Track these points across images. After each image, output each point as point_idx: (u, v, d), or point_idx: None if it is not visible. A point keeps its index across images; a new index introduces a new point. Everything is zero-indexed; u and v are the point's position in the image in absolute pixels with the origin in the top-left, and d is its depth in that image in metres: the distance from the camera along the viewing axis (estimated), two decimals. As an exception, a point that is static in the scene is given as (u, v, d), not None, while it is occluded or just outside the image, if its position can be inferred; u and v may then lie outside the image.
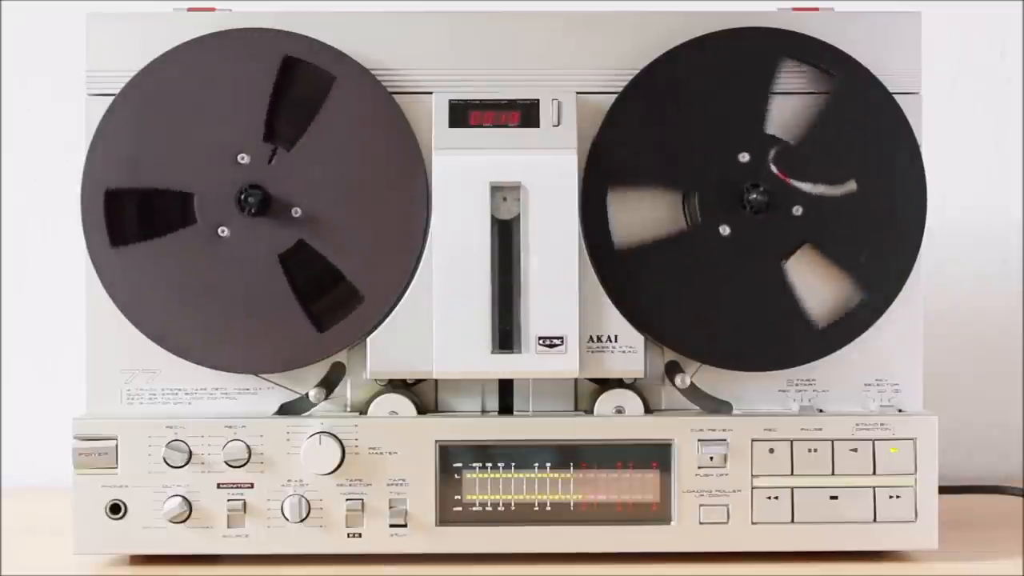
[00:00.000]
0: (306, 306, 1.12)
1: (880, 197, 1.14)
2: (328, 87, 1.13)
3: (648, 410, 1.15)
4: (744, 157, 1.13)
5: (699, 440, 1.12)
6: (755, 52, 1.14)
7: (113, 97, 1.13)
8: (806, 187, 1.13)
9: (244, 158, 1.12)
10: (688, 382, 1.14)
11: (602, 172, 1.13)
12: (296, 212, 1.12)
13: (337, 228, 1.12)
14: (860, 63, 1.14)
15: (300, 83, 1.13)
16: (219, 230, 1.12)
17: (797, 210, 1.13)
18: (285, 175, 1.12)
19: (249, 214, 1.11)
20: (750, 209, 1.12)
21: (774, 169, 1.13)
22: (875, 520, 1.12)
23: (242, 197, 1.11)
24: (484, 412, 1.16)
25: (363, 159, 1.13)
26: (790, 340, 1.14)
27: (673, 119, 1.13)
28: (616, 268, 1.13)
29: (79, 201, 1.12)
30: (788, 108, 1.14)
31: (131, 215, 1.13)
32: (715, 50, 1.14)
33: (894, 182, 1.14)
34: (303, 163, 1.12)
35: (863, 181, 1.14)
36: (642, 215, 1.13)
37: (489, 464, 1.12)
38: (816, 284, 1.14)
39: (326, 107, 1.13)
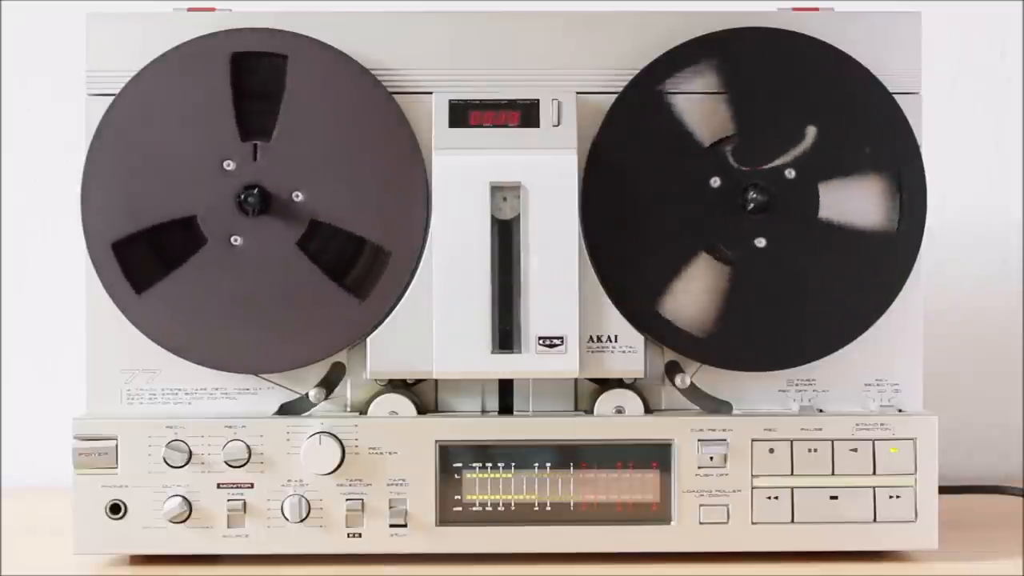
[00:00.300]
0: (340, 282, 1.12)
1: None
2: (283, 67, 1.12)
3: (648, 410, 1.15)
4: (716, 182, 1.13)
5: (699, 440, 1.12)
6: (755, 52, 1.14)
7: (113, 96, 1.13)
8: (781, 160, 1.13)
9: (229, 164, 1.12)
10: (688, 382, 1.14)
11: (602, 172, 1.13)
12: (298, 196, 1.12)
13: (342, 198, 1.12)
14: (860, 63, 1.14)
15: (256, 74, 1.13)
16: (231, 240, 1.12)
17: (790, 173, 1.13)
18: (275, 165, 1.12)
19: (254, 215, 1.11)
20: (752, 210, 1.12)
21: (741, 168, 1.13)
22: (875, 520, 1.12)
23: (241, 201, 1.11)
24: (484, 412, 1.16)
25: (363, 159, 1.13)
26: (790, 340, 1.14)
27: (673, 119, 1.13)
28: (616, 268, 1.13)
29: (89, 258, 1.12)
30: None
31: (145, 257, 1.13)
32: (715, 50, 1.14)
33: (894, 182, 1.14)
34: (287, 147, 1.12)
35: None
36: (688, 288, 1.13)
37: (489, 464, 1.12)
38: (857, 204, 1.13)
39: (289, 86, 1.12)
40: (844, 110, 1.14)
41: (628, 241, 1.13)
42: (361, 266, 1.14)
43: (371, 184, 1.13)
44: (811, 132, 1.13)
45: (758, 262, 1.13)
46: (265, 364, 1.14)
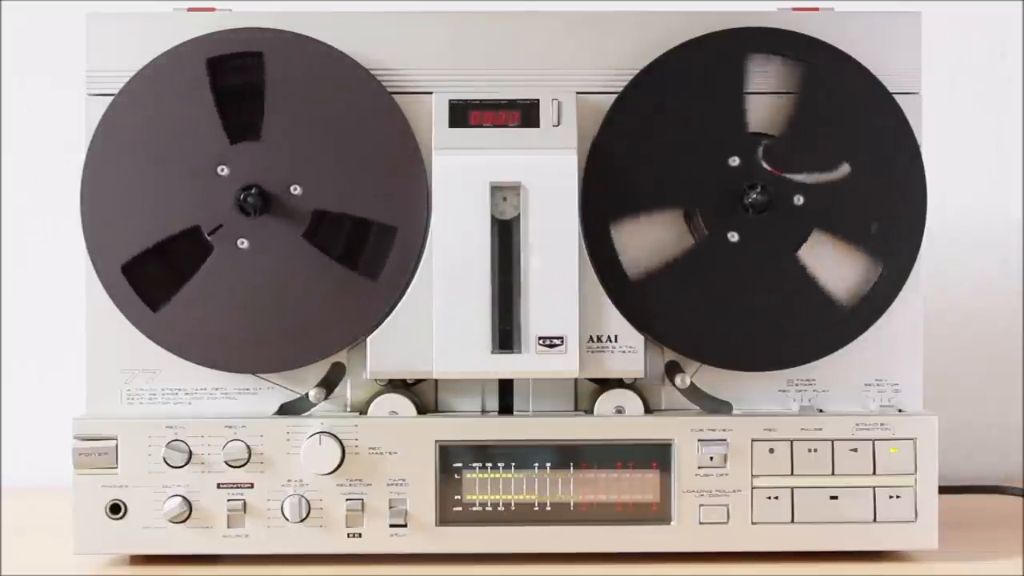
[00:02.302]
0: (353, 266, 1.12)
1: (880, 197, 1.14)
2: (261, 64, 1.12)
3: (648, 410, 1.15)
4: (734, 161, 1.13)
5: (699, 440, 1.12)
6: (755, 52, 1.14)
7: (113, 96, 1.13)
8: (801, 177, 1.13)
9: (224, 170, 1.12)
10: (688, 382, 1.14)
11: (602, 172, 1.13)
12: (296, 189, 1.12)
13: (340, 184, 1.12)
14: (860, 63, 1.14)
15: (235, 75, 1.13)
16: (238, 243, 1.12)
17: (798, 199, 1.13)
18: (268, 163, 1.12)
19: (256, 215, 1.11)
20: (752, 210, 1.12)
21: (765, 165, 1.13)
22: (875, 520, 1.12)
23: (241, 203, 1.11)
24: (484, 412, 1.16)
25: (363, 159, 1.13)
26: (790, 340, 1.14)
27: (673, 120, 1.13)
28: (616, 268, 1.13)
29: (100, 280, 1.12)
30: (785, 107, 1.14)
31: (155, 273, 1.13)
32: (715, 50, 1.14)
33: (894, 182, 1.14)
34: (277, 143, 1.12)
35: (863, 181, 1.14)
36: (649, 241, 1.13)
37: (489, 464, 1.12)
38: (833, 267, 1.13)
39: (269, 81, 1.12)
40: (844, 111, 1.14)
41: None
42: (370, 249, 1.13)
43: (371, 184, 1.13)
44: (841, 169, 1.13)
45: (727, 253, 1.13)
46: (265, 364, 1.13)
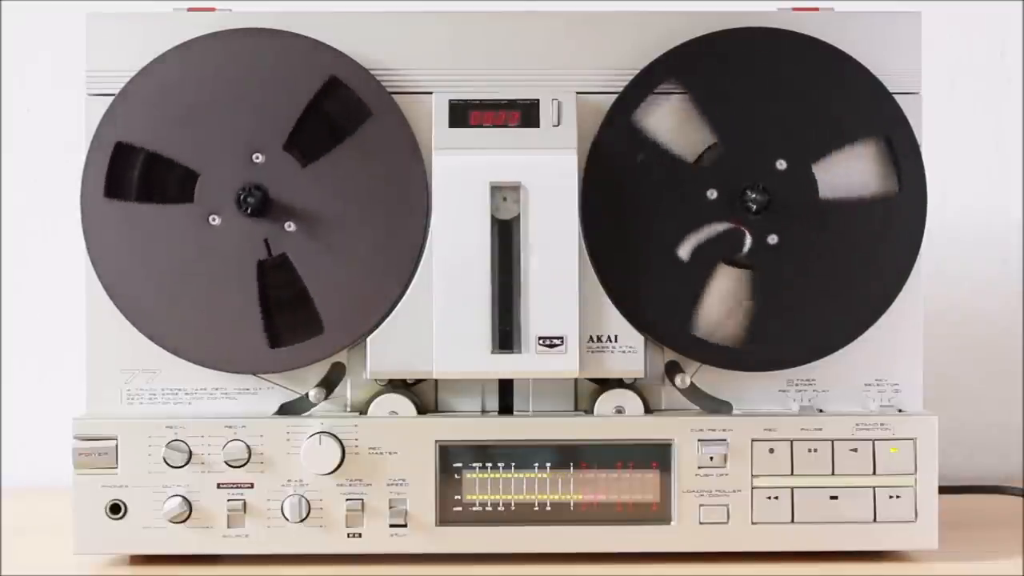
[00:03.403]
0: (267, 317, 1.12)
1: (880, 197, 1.14)
2: (363, 119, 1.12)
3: (648, 410, 1.15)
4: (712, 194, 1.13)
5: (699, 440, 1.12)
6: (755, 52, 1.14)
7: (113, 96, 1.13)
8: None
9: (259, 158, 1.12)
10: (688, 382, 1.14)
11: (602, 172, 1.13)
12: (290, 226, 1.12)
13: (323, 255, 1.12)
14: (860, 63, 1.14)
15: (335, 105, 1.13)
16: (211, 218, 1.12)
17: (781, 164, 1.13)
18: (291, 189, 1.12)
19: (244, 213, 1.11)
20: (752, 210, 1.12)
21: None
22: (875, 520, 1.13)
23: (242, 195, 1.11)
24: (484, 412, 1.16)
25: (363, 159, 1.13)
26: (790, 340, 1.14)
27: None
28: (616, 268, 1.13)
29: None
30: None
31: (133, 175, 1.12)
32: (714, 50, 1.14)
33: (894, 182, 1.14)
34: (313, 182, 1.12)
35: (855, 150, 1.13)
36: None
37: (489, 464, 1.12)
38: (852, 179, 1.13)
39: (353, 138, 1.12)
40: (844, 110, 1.14)
41: (628, 241, 1.13)
42: (295, 318, 1.13)
43: (371, 184, 1.13)
44: (797, 120, 1.13)
45: (773, 261, 1.13)
46: (265, 364, 1.13)
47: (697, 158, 1.13)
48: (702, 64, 1.14)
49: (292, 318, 1.13)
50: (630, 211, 1.13)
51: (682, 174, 1.13)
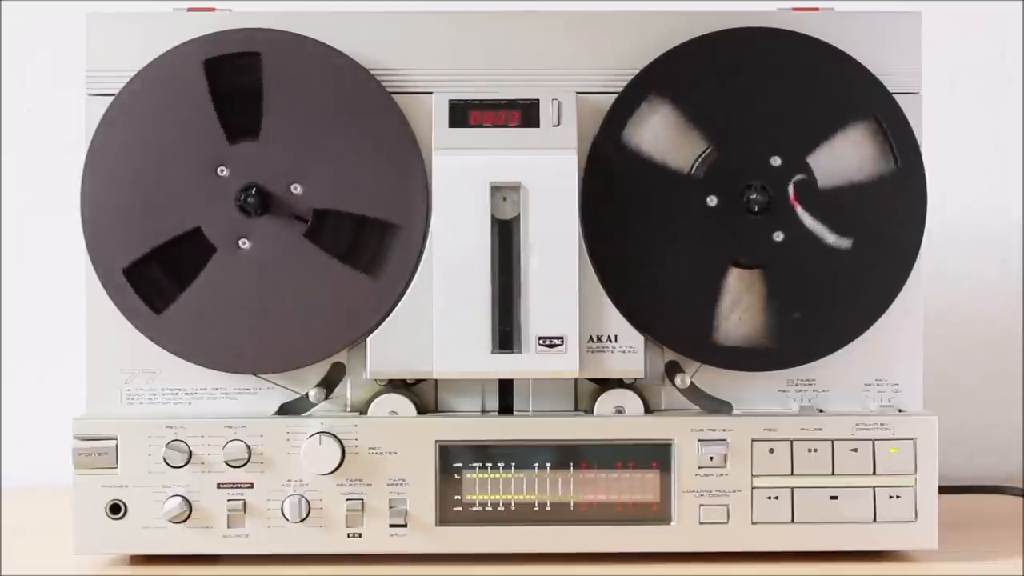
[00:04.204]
0: (354, 266, 1.12)
1: (880, 197, 1.14)
2: (258, 64, 1.12)
3: (648, 410, 1.15)
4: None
5: (699, 440, 1.12)
6: (755, 52, 1.14)
7: (113, 96, 1.13)
8: (808, 221, 1.13)
9: (223, 170, 1.12)
10: (688, 382, 1.14)
11: (602, 172, 1.13)
12: (296, 189, 1.12)
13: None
14: (860, 63, 1.14)
15: (232, 75, 1.12)
16: (239, 243, 1.12)
17: (775, 161, 1.13)
18: (268, 163, 1.12)
19: (256, 215, 1.11)
20: (752, 210, 1.12)
21: (791, 192, 1.13)
22: (875, 520, 1.13)
23: (242, 203, 1.11)
24: (484, 412, 1.16)
25: (363, 159, 1.13)
26: (790, 340, 1.14)
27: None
28: (616, 268, 1.13)
29: (104, 287, 1.12)
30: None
31: (156, 275, 1.13)
32: (714, 50, 1.14)
33: (894, 182, 1.14)
34: (277, 143, 1.12)
35: (863, 181, 1.14)
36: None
37: (489, 464, 1.12)
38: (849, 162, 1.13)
39: (267, 81, 1.12)
40: (844, 110, 1.14)
41: (628, 241, 1.13)
42: (371, 249, 1.13)
43: (371, 184, 1.13)
44: (796, 119, 1.13)
45: (785, 257, 1.13)
46: (265, 364, 1.13)
47: (695, 159, 1.13)
48: (701, 65, 1.14)
49: (368, 249, 1.13)
50: (630, 211, 1.13)
51: (680, 176, 1.13)
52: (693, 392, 1.15)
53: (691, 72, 1.14)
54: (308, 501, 1.11)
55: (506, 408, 1.16)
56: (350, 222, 1.13)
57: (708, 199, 1.13)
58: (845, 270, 1.13)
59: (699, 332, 1.13)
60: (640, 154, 1.13)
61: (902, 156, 1.14)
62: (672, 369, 1.15)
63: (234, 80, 1.13)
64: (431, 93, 1.14)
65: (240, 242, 1.12)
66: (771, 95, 1.14)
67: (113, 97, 1.13)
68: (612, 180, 1.13)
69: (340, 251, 1.13)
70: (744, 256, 1.13)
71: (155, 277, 1.13)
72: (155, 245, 1.12)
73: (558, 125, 1.13)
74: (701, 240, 1.13)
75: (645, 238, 1.13)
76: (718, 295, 1.13)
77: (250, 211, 1.11)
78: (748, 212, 1.13)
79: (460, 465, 1.12)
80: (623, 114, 1.13)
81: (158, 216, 1.12)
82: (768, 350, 1.14)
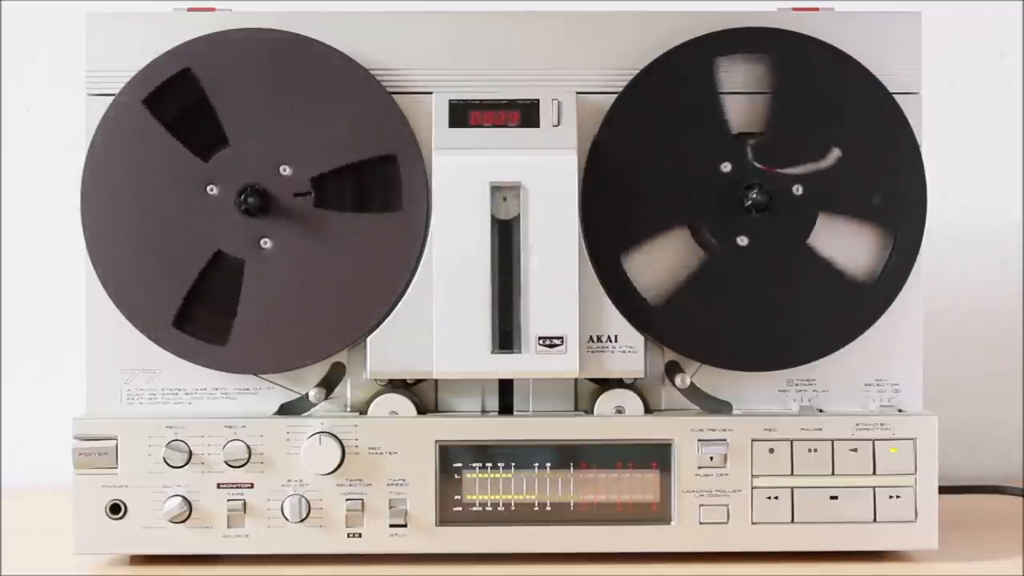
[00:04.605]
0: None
1: (880, 197, 1.14)
2: (192, 77, 1.12)
3: (648, 410, 1.15)
4: (727, 167, 1.13)
5: (699, 440, 1.12)
6: (755, 52, 1.14)
7: (113, 97, 1.13)
8: (796, 171, 1.13)
9: (212, 188, 1.12)
10: (688, 382, 1.14)
11: (602, 172, 1.13)
12: (285, 170, 1.12)
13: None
14: (860, 63, 1.14)
15: (179, 97, 1.12)
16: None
17: (797, 189, 1.13)
18: (247, 161, 1.12)
19: (262, 211, 1.11)
20: (754, 211, 1.12)
21: (758, 165, 1.13)
22: (875, 520, 1.12)
23: (244, 207, 1.11)
24: (484, 412, 1.16)
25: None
26: (790, 340, 1.14)
27: (675, 118, 1.14)
28: (616, 268, 1.13)
29: (158, 343, 1.12)
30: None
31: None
32: (714, 50, 1.14)
33: (894, 182, 1.14)
34: (247, 138, 1.12)
35: (863, 181, 1.14)
36: (664, 265, 1.13)
37: (489, 464, 1.12)
38: (846, 246, 1.13)
39: (208, 89, 1.12)
40: (844, 110, 1.14)
41: (628, 241, 1.13)
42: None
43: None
44: (833, 155, 1.13)
45: (738, 259, 1.13)
46: (265, 364, 1.13)
47: (691, 160, 1.13)
48: (701, 65, 1.14)
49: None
50: (630, 210, 1.13)
51: (677, 177, 1.13)
52: (693, 392, 1.15)
53: (691, 72, 1.14)
54: (308, 501, 1.11)
55: (506, 408, 1.16)
56: (349, 175, 1.13)
57: (723, 165, 1.13)
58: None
59: (699, 332, 1.13)
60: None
61: (902, 156, 1.14)
62: (672, 369, 1.15)
63: (184, 99, 1.13)
64: (431, 93, 1.14)
65: (262, 243, 1.12)
66: (770, 95, 1.14)
67: (113, 97, 1.13)
68: (616, 164, 1.13)
69: (354, 205, 1.13)
70: (704, 232, 1.13)
71: (202, 315, 1.13)
72: (189, 288, 1.12)
73: (558, 125, 1.13)
74: (700, 240, 1.13)
75: (645, 235, 1.13)
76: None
77: (254, 211, 1.11)
78: (749, 211, 1.13)
79: (460, 465, 1.12)
80: (623, 114, 1.13)
81: (173, 255, 1.12)
82: (768, 350, 1.14)
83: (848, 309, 1.14)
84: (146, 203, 1.12)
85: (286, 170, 1.12)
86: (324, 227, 1.12)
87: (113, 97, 1.13)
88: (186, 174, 1.12)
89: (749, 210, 1.12)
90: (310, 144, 1.12)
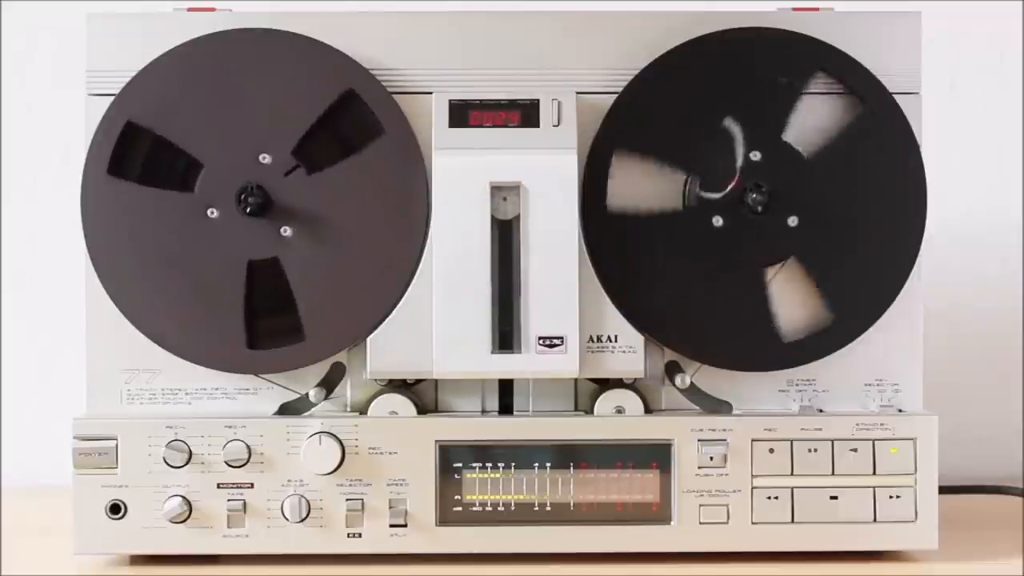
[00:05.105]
0: (250, 319, 1.12)
1: (880, 197, 1.14)
2: (374, 136, 1.12)
3: (648, 410, 1.15)
4: (756, 155, 1.13)
5: (699, 440, 1.12)
6: (755, 52, 1.14)
7: (112, 96, 1.13)
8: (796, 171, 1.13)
9: (265, 158, 1.12)
10: (688, 382, 1.14)
11: (602, 172, 1.13)
12: (286, 231, 1.12)
13: (323, 254, 1.12)
14: (860, 63, 1.14)
15: (348, 118, 1.13)
16: (209, 210, 1.12)
17: (792, 221, 1.13)
18: (293, 194, 1.12)
19: (243, 212, 1.11)
20: (749, 208, 1.12)
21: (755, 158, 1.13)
22: (875, 520, 1.13)
23: (243, 194, 1.11)
24: (484, 412, 1.16)
25: (363, 159, 1.13)
26: (790, 340, 1.14)
27: (675, 118, 1.14)
28: (616, 268, 1.13)
29: (101, 281, 1.12)
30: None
31: (138, 156, 1.12)
32: (714, 50, 1.14)
33: (894, 183, 1.14)
34: (316, 191, 1.12)
35: (864, 181, 1.14)
36: (639, 188, 1.13)
37: (489, 464, 1.12)
38: (793, 299, 1.14)
39: (363, 154, 1.12)
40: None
41: (628, 241, 1.13)
42: (276, 324, 1.13)
43: (371, 184, 1.13)
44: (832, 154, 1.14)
45: (743, 262, 1.13)
46: (265, 364, 1.13)
47: (692, 160, 1.13)
48: (701, 65, 1.14)
49: (273, 322, 1.13)
50: (629, 210, 1.13)
51: (676, 177, 1.13)
52: (693, 392, 1.15)
53: (690, 72, 1.14)
54: (308, 501, 1.11)
55: (506, 408, 1.16)
56: (324, 130, 1.12)
57: (715, 220, 1.13)
58: (844, 270, 1.14)
59: (699, 332, 1.13)
60: (644, 136, 1.13)
61: (902, 156, 1.14)
62: (672, 369, 1.15)
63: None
64: (431, 93, 1.14)
65: (282, 231, 1.12)
66: (771, 96, 1.14)
67: (113, 97, 1.13)
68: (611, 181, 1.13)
69: (341, 153, 1.12)
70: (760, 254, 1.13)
71: (264, 326, 1.13)
72: (245, 313, 1.12)
73: (558, 125, 1.13)
74: (701, 240, 1.13)
75: (645, 235, 1.13)
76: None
77: (259, 211, 1.11)
78: (751, 212, 1.13)
79: (460, 465, 1.12)
80: (623, 114, 1.13)
81: (188, 127, 1.12)
82: (768, 350, 1.14)
83: (848, 309, 1.14)
84: (156, 242, 1.12)
85: (266, 158, 1.12)
86: (327, 197, 1.12)
87: (113, 97, 1.13)
88: (182, 212, 1.12)
89: (751, 210, 1.12)
90: (275, 124, 1.12)
